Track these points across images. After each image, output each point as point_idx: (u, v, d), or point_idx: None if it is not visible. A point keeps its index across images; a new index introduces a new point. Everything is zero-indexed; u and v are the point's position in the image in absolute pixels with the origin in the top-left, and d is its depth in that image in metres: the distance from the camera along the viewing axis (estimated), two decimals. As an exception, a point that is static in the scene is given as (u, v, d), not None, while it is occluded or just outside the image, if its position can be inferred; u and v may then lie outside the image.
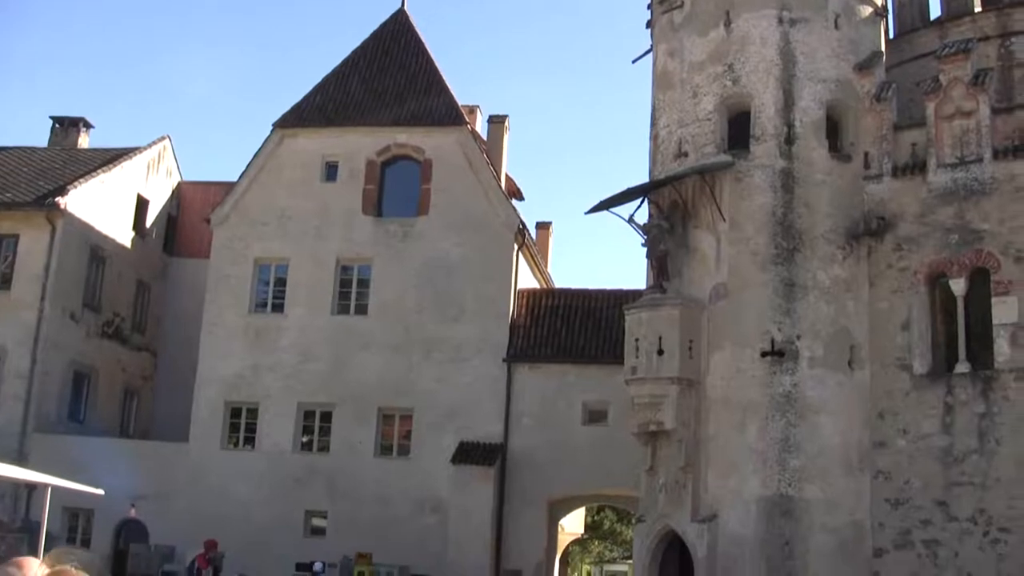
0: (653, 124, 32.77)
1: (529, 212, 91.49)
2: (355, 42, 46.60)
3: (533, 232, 47.50)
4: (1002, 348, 27.39)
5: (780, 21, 30.44)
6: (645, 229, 30.83)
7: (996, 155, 28.34)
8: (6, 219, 41.97)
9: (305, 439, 40.18)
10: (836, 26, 30.76)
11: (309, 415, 40.12)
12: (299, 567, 36.09)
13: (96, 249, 43.76)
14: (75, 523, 39.83)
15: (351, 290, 40.92)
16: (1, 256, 41.90)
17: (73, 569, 4.26)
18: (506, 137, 44.87)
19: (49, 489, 26.84)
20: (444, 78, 43.71)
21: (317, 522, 39.28)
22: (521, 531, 37.94)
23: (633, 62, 34.50)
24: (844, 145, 30.35)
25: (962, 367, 27.93)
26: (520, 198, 47.74)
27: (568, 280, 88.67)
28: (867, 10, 31.59)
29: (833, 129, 30.32)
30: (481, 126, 46.04)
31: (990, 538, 26.66)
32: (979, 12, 33.76)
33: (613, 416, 36.97)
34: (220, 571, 35.11)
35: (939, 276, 28.74)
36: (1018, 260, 27.53)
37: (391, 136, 41.86)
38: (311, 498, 39.02)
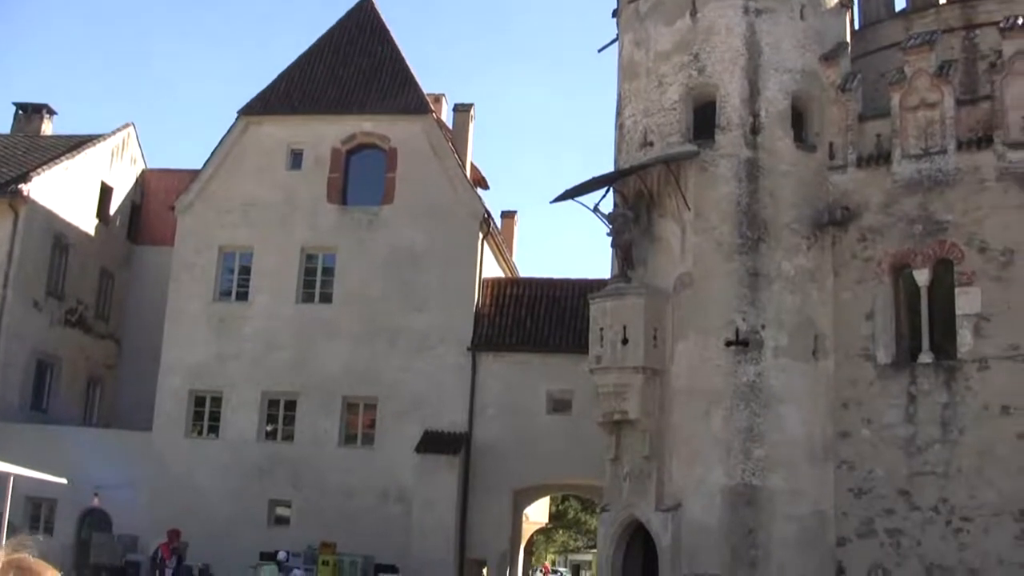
0: (619, 114, 32.77)
1: (494, 201, 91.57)
2: (321, 30, 46.54)
3: (498, 221, 47.38)
4: (965, 338, 27.54)
5: (746, 11, 30.47)
6: (610, 218, 30.84)
7: (960, 146, 28.50)
8: (-32, 206, 41.62)
9: (269, 428, 40.05)
10: (802, 16, 30.82)
11: (273, 404, 39.99)
12: (263, 556, 35.95)
13: (59, 237, 43.51)
14: (38, 512, 39.56)
15: (316, 278, 40.79)
16: (-37, 244, 41.58)
17: (30, 556, 4.25)
18: (471, 126, 44.70)
19: (11, 478, 26.68)
20: (410, 67, 43.59)
21: (281, 511, 39.16)
22: (485, 520, 37.91)
23: (599, 51, 34.49)
24: (809, 135, 30.44)
25: (925, 357, 28.08)
26: (485, 187, 47.69)
27: (533, 269, 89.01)
28: (833, 1, 31.67)
29: (798, 119, 30.39)
30: (447, 115, 45.90)
31: (952, 527, 26.82)
32: (944, 4, 33.90)
33: (578, 405, 36.97)
34: (184, 560, 34.99)
35: (903, 266, 28.88)
36: (981, 251, 27.68)
37: (356, 124, 41.76)
38: (275, 487, 38.91)
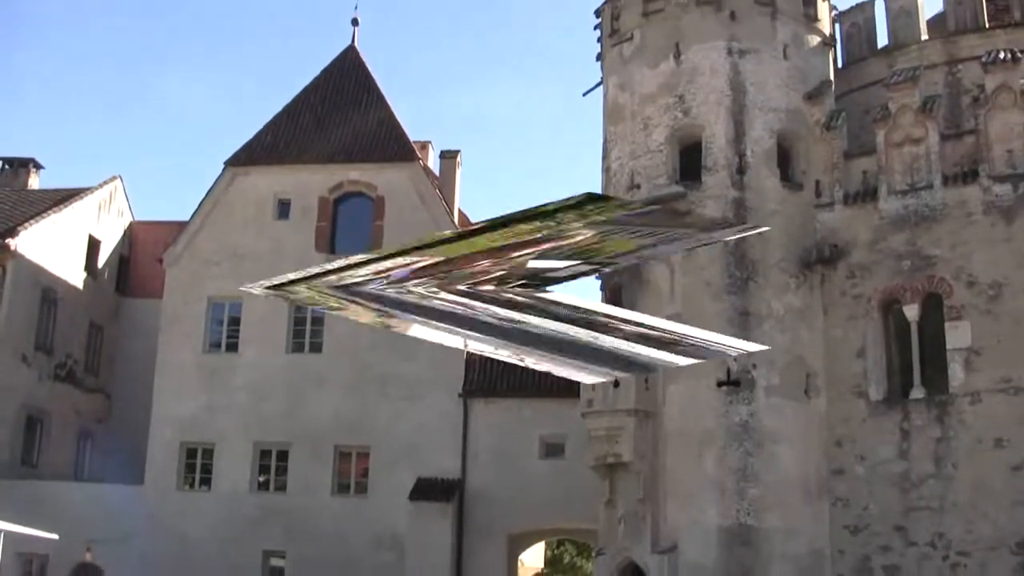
0: (605, 156, 32.83)
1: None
2: (306, 80, 46.49)
3: (487, 267, 47.29)
4: (956, 373, 27.55)
5: (729, 52, 30.62)
6: (599, 261, 30.78)
7: (946, 181, 28.61)
8: (-43, 262, 41.53)
9: (262, 479, 39.84)
10: (785, 56, 30.97)
11: (265, 454, 39.79)
12: (258, 608, 35.79)
13: (48, 291, 43.39)
14: (29, 568, 39.27)
15: (305, 328, 40.63)
16: (-49, 299, 41.47)
17: None
18: (458, 172, 44.72)
19: (2, 535, 26.55)
20: (395, 114, 43.63)
21: (275, 562, 38.90)
22: (480, 567, 37.68)
23: (584, 95, 34.59)
24: (795, 174, 30.52)
25: (917, 393, 28.07)
26: (473, 233, 47.57)
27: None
28: (815, 40, 31.83)
29: (784, 158, 30.48)
30: (433, 161, 45.94)
31: (949, 562, 26.74)
32: (926, 40, 34.02)
33: (571, 449, 36.81)
34: (177, 614, 34.77)
35: (892, 302, 28.91)
36: (970, 285, 27.73)
37: (343, 173, 41.71)
38: (269, 538, 38.65)
